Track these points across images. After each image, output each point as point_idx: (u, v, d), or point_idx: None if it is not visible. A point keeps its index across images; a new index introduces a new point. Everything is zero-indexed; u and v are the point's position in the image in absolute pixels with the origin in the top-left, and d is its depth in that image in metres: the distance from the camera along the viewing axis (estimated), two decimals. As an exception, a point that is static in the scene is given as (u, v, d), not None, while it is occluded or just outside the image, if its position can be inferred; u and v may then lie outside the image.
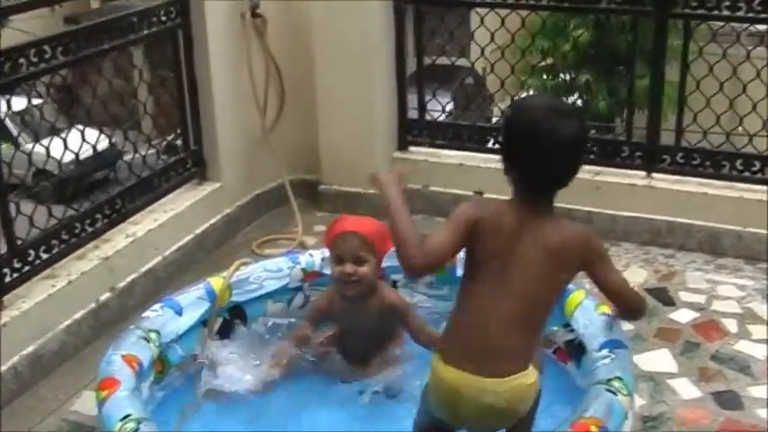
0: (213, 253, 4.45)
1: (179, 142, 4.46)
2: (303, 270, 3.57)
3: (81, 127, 3.99)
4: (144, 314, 3.22)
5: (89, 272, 3.78)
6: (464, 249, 2.48)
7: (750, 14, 4.09)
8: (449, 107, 5.21)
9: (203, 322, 3.35)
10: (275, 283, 3.52)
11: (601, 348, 2.93)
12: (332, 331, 3.31)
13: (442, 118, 5.01)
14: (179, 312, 3.26)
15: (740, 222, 4.25)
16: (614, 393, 2.69)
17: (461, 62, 6.60)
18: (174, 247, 4.22)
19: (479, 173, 4.71)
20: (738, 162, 4.28)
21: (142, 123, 4.63)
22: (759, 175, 4.25)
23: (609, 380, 2.75)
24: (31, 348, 3.47)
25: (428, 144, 4.84)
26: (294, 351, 3.25)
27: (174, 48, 4.25)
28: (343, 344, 3.29)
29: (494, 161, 4.65)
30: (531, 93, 2.14)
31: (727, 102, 4.28)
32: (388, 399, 3.15)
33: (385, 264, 3.30)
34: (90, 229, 3.88)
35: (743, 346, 3.60)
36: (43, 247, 3.64)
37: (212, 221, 4.47)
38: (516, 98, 2.58)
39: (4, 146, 7.62)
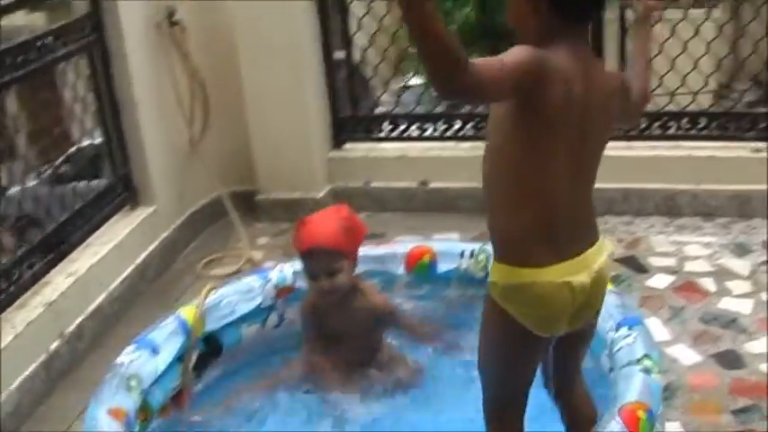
0: (156, 281, 4.18)
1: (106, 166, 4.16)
2: (275, 287, 3.35)
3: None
4: (119, 359, 2.93)
5: (35, 321, 3.45)
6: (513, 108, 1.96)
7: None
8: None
9: (179, 358, 3.10)
10: (248, 305, 3.29)
11: (618, 327, 2.81)
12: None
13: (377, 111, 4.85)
14: (155, 351, 2.99)
15: (693, 181, 4.24)
16: (648, 373, 2.59)
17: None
18: (118, 281, 3.93)
19: (422, 162, 4.59)
20: (685, 121, 4.27)
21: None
22: (706, 132, 4.25)
23: (639, 359, 2.63)
24: (-18, 415, 3.14)
25: (365, 139, 4.66)
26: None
27: (92, 66, 3.93)
28: (337, 355, 3.10)
29: (436, 149, 4.61)
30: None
31: (669, 62, 4.24)
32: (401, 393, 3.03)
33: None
34: (29, 273, 3.55)
35: (727, 303, 3.58)
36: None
37: (151, 248, 4.18)
38: None
39: None
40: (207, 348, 3.22)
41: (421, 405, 3.00)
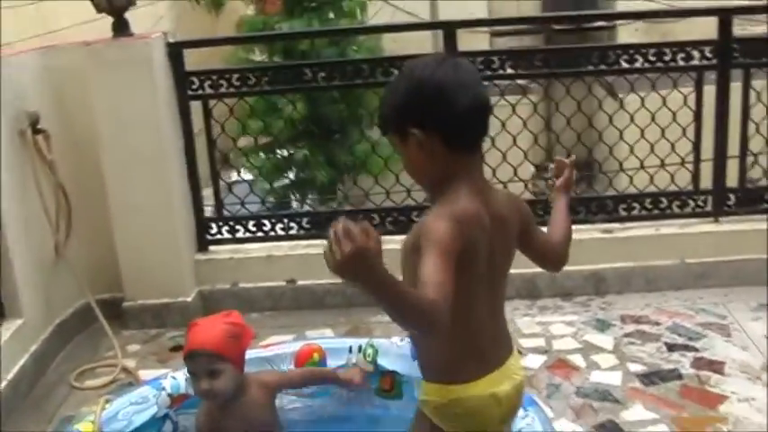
0: (29, 397, 4.01)
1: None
2: (170, 396, 3.31)
3: None
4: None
5: None
6: None
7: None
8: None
9: (78, 477, 3.01)
10: (144, 416, 3.23)
11: (516, 408, 2.97)
12: None
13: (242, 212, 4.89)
14: (57, 470, 2.91)
15: (550, 263, 4.50)
16: (554, 449, 2.75)
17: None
18: (-9, 399, 3.77)
19: (289, 261, 4.66)
20: (538, 207, 4.54)
21: None
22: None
23: (540, 438, 2.80)
24: None
25: (231, 241, 4.70)
26: None
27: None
28: None
29: (302, 247, 4.70)
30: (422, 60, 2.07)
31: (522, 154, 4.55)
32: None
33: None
34: None
35: (598, 377, 3.81)
36: None
37: (21, 363, 4.02)
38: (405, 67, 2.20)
39: None
40: (104, 464, 3.14)
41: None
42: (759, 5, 4.88)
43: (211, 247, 4.71)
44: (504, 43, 11.53)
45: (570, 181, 2.58)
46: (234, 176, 6.72)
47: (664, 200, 4.63)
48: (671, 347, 4.01)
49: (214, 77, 4.50)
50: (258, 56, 10.37)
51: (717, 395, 3.63)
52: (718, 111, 4.51)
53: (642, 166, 4.73)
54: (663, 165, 4.72)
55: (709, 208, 4.64)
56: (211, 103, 4.62)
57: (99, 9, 4.24)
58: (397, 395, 3.36)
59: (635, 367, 3.86)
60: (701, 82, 4.54)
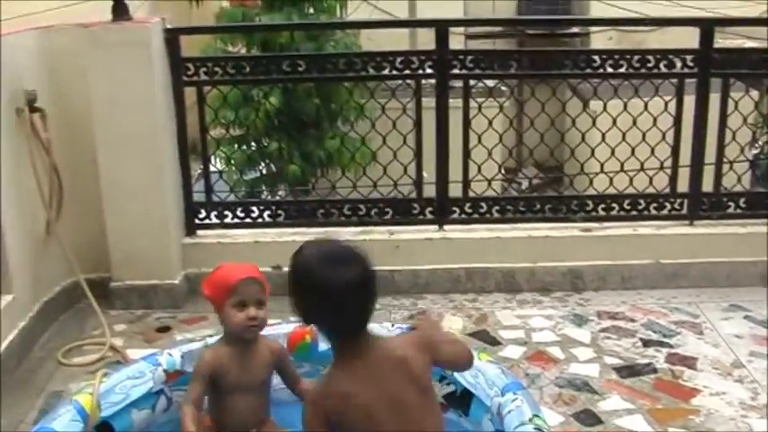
0: (16, 372, 4.04)
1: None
2: (165, 371, 3.39)
3: None
4: (22, 451, 2.90)
5: None
6: None
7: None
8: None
9: (75, 446, 3.07)
10: (140, 390, 3.31)
11: (504, 393, 3.08)
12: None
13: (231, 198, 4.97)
14: (56, 440, 2.97)
15: (531, 259, 4.65)
16: (540, 430, 2.86)
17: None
18: (-19, 373, 3.81)
19: (275, 247, 4.72)
20: (521, 204, 4.69)
21: None
22: (540, 215, 4.69)
23: (530, 419, 2.91)
24: None
25: (218, 226, 4.77)
26: None
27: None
28: (229, 415, 3.17)
29: (289, 234, 4.79)
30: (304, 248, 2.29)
31: (508, 151, 4.67)
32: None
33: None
34: None
35: (576, 369, 3.94)
36: None
37: (11, 338, 4.05)
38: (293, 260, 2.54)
39: None
40: (100, 437, 3.20)
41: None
42: (740, 18, 5.05)
43: (199, 232, 4.79)
44: (478, 45, 11.74)
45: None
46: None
47: (642, 201, 4.79)
48: (646, 343, 4.16)
49: (209, 64, 4.58)
50: (232, 48, 10.46)
51: (689, 389, 3.78)
52: (696, 118, 4.67)
53: (622, 169, 4.88)
54: (642, 168, 4.87)
55: (684, 211, 4.80)
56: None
57: (100, -8, 4.30)
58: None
59: (611, 360, 4.00)
60: (681, 89, 4.70)
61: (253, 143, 10.65)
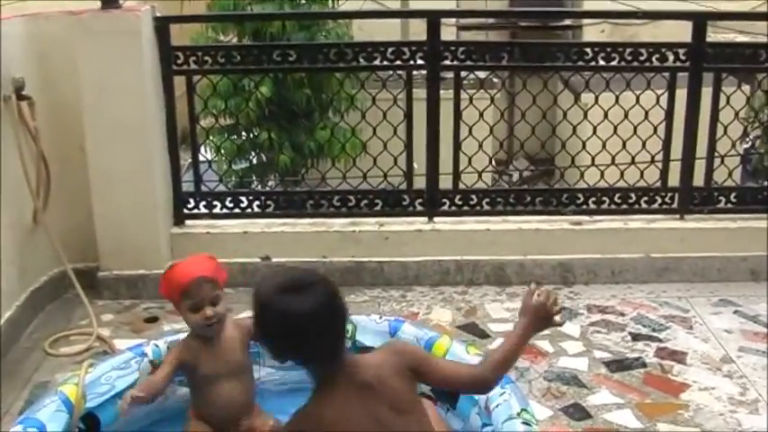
0: (2, 362, 4.00)
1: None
2: (151, 362, 3.37)
3: None
4: (6, 441, 2.87)
5: None
6: None
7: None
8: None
9: (60, 438, 3.05)
10: (126, 381, 3.28)
11: (491, 387, 3.06)
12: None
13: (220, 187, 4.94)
14: (42, 431, 2.94)
15: (521, 252, 4.63)
16: (528, 425, 2.85)
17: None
18: (-34, 364, 3.78)
19: (264, 238, 4.71)
20: (512, 197, 4.67)
21: None
22: (531, 207, 4.67)
23: (518, 413, 2.90)
24: None
25: (207, 216, 4.74)
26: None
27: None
28: (213, 406, 3.15)
29: (278, 225, 4.76)
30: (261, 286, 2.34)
31: (499, 143, 4.65)
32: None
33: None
34: None
35: (565, 362, 3.94)
36: None
37: (-5, 329, 4.05)
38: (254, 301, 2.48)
39: None
40: (85, 426, 3.18)
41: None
42: (732, 12, 5.04)
43: (188, 221, 4.75)
44: (471, 37, 11.70)
45: (529, 307, 2.74)
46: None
47: (633, 195, 4.77)
48: (635, 337, 4.15)
49: (199, 53, 4.54)
50: (224, 37, 10.40)
51: (679, 383, 3.77)
52: (688, 112, 4.65)
53: (613, 162, 4.86)
54: (633, 161, 4.86)
55: (675, 205, 4.78)
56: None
57: (90, -21, 4.26)
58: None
59: (601, 354, 3.99)
60: (674, 83, 4.67)
61: (243, 133, 10.61)
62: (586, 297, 4.54)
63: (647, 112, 4.75)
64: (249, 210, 4.76)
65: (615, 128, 4.79)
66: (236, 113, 8.53)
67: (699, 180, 4.81)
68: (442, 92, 4.57)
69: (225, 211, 4.75)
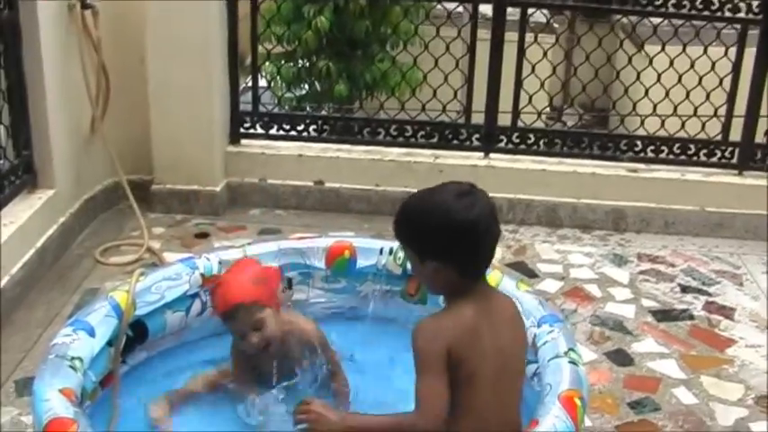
0: (54, 267, 4.09)
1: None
2: (202, 275, 3.38)
3: None
4: (56, 340, 2.90)
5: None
6: None
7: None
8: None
9: (109, 342, 3.10)
10: (176, 292, 3.31)
11: (540, 324, 3.04)
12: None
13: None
14: (92, 334, 2.98)
15: (574, 195, 4.60)
16: (575, 364, 2.83)
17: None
18: (20, 264, 3.83)
19: (319, 162, 4.72)
20: (569, 139, 4.61)
21: None
22: (588, 151, 4.61)
23: (565, 352, 2.88)
24: None
25: (263, 136, 4.74)
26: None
27: (4, 44, 3.83)
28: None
29: (333, 150, 4.75)
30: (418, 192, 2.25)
31: (560, 84, 4.58)
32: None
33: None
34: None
35: (612, 308, 3.92)
36: None
37: (50, 233, 4.09)
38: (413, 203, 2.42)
39: None
40: (133, 333, 3.22)
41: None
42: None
43: (244, 141, 4.76)
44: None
45: None
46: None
47: (692, 147, 4.70)
48: (684, 289, 4.12)
49: (265, -29, 4.51)
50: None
51: (725, 339, 3.74)
52: (756, 67, 4.54)
53: (675, 112, 4.76)
54: (695, 113, 4.75)
55: (735, 160, 4.70)
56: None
57: None
58: (421, 300, 3.44)
59: (648, 303, 3.97)
60: (744, 35, 4.55)
61: (300, 61, 10.57)
62: (637, 245, 4.50)
63: (713, 63, 4.64)
64: (305, 134, 4.76)
65: (680, 77, 4.69)
66: (297, 38, 8.42)
67: (761, 137, 4.71)
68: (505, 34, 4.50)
69: (281, 132, 4.75)
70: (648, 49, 4.78)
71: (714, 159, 4.72)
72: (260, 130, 4.75)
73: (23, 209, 3.97)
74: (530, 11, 4.59)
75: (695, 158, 4.71)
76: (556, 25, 6.85)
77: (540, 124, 4.76)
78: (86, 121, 4.38)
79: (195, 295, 3.38)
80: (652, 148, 4.68)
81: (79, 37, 4.18)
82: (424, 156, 4.66)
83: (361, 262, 3.55)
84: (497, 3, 4.46)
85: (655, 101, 4.75)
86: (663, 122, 4.81)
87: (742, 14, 4.52)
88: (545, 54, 4.62)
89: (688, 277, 4.22)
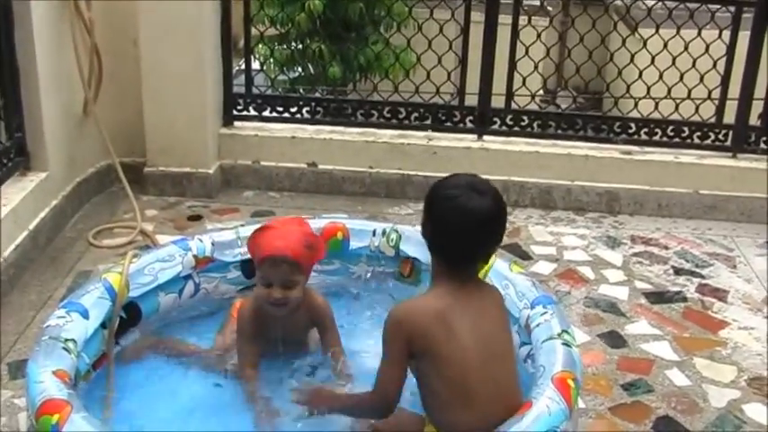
0: (47, 249, 4.07)
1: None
2: (195, 257, 3.38)
3: None
4: (49, 322, 2.89)
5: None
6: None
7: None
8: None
9: (102, 324, 3.09)
10: (169, 273, 3.31)
11: (534, 306, 3.05)
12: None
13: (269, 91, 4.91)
14: (85, 316, 2.97)
15: (568, 177, 4.59)
16: (569, 346, 2.84)
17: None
18: (12, 246, 3.82)
19: (312, 144, 4.70)
20: (563, 122, 4.61)
21: None
22: (582, 133, 4.61)
23: (559, 334, 2.88)
24: None
25: (256, 119, 4.73)
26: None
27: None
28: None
29: (326, 132, 4.74)
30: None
31: (553, 66, 4.57)
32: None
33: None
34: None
35: (605, 290, 3.92)
36: None
37: (42, 215, 4.07)
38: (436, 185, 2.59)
39: None
40: (127, 315, 3.22)
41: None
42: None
43: (237, 123, 4.75)
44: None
45: None
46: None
47: (686, 129, 4.70)
48: (678, 271, 4.12)
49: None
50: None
51: (718, 321, 3.75)
52: (750, 49, 4.53)
53: (669, 95, 4.76)
54: (689, 96, 4.75)
55: (729, 143, 4.70)
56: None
57: None
58: (414, 281, 3.45)
59: (641, 285, 3.97)
60: (738, 17, 4.55)
61: (293, 43, 10.54)
62: (631, 228, 4.51)
63: (708, 46, 4.63)
64: (298, 115, 4.75)
65: (674, 59, 4.68)
66: (290, 19, 8.38)
67: (754, 119, 4.71)
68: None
69: (274, 114, 4.74)
70: (642, 31, 4.75)
71: (708, 142, 4.72)
72: (253, 113, 4.74)
73: (16, 191, 3.94)
74: (523, -7, 4.58)
75: (689, 141, 4.71)
76: (549, 8, 6.83)
77: (533, 106, 4.73)
78: (79, 103, 4.36)
79: (188, 277, 3.39)
80: (646, 130, 4.68)
81: (72, 19, 4.14)
82: (418, 138, 4.65)
83: (354, 243, 3.57)
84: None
85: (649, 83, 4.74)
86: (657, 105, 4.80)
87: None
88: (539, 36, 4.61)
89: (681, 259, 4.23)
